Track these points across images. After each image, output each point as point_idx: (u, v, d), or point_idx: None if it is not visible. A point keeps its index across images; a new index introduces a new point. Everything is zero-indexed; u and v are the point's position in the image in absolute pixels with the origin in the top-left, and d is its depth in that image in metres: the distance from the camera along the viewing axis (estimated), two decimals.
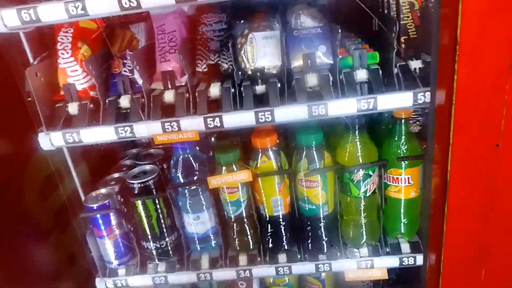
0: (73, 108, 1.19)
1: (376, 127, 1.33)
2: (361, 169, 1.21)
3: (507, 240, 0.98)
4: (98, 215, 1.37)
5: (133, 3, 0.97)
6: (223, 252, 1.42)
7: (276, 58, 1.15)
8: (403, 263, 1.31)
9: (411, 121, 1.18)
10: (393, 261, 1.31)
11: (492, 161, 0.87)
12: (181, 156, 1.33)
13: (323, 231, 1.32)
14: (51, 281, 1.40)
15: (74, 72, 1.20)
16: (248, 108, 1.13)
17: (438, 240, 0.99)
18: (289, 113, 1.12)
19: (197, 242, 1.43)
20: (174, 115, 1.16)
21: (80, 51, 1.17)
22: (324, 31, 1.15)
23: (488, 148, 0.86)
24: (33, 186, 1.32)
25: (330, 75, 1.11)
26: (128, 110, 1.19)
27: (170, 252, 1.44)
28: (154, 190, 1.34)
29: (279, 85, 1.13)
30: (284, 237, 1.37)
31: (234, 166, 1.29)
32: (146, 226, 1.38)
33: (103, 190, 1.43)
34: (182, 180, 1.33)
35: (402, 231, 1.32)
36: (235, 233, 1.40)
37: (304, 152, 1.23)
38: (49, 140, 1.19)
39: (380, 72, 1.10)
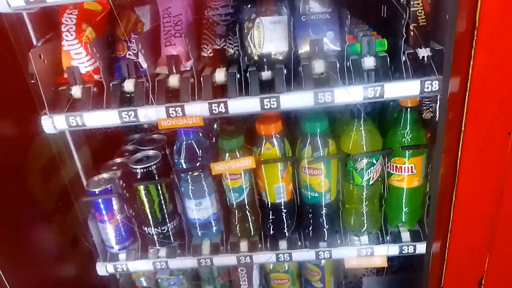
0: (76, 91, 1.18)
1: (381, 116, 1.33)
2: (365, 158, 1.21)
3: None
4: (100, 200, 1.37)
5: None
6: (224, 238, 1.43)
7: (283, 43, 1.14)
8: (403, 252, 1.32)
9: (423, 108, 1.18)
10: (393, 250, 1.32)
11: (504, 149, 0.87)
12: (184, 142, 1.32)
13: (324, 219, 1.33)
14: (52, 264, 1.41)
15: (78, 55, 1.18)
16: (254, 94, 1.12)
17: (444, 229, 1.00)
18: (295, 100, 1.11)
19: (198, 228, 1.43)
20: (179, 100, 1.15)
21: (85, 33, 1.15)
22: (333, 17, 1.13)
23: (500, 136, 0.86)
24: (35, 168, 1.31)
25: (337, 62, 1.10)
26: (132, 94, 1.18)
27: (172, 237, 1.44)
28: (156, 175, 1.34)
29: (285, 71, 1.12)
30: (285, 224, 1.38)
31: (237, 152, 1.29)
32: (148, 211, 1.38)
33: (105, 175, 1.43)
34: (185, 166, 1.33)
35: (403, 220, 1.33)
36: (236, 220, 1.40)
37: (309, 139, 1.23)
38: (52, 123, 1.17)
39: (388, 59, 1.09)
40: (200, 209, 1.39)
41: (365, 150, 1.21)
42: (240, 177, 1.32)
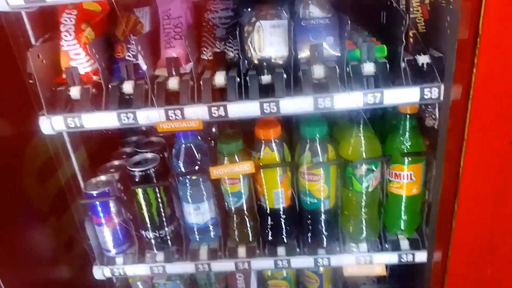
0: (75, 92, 1.17)
1: (380, 122, 1.32)
2: (364, 164, 1.20)
3: None
4: (97, 203, 1.36)
5: None
6: (222, 243, 1.41)
7: (283, 48, 1.13)
8: (402, 260, 1.30)
9: (426, 115, 1.17)
10: (392, 258, 1.31)
11: (506, 158, 0.86)
12: (183, 145, 1.31)
13: (323, 225, 1.32)
14: (48, 266, 1.40)
15: (77, 56, 1.17)
16: (253, 98, 1.11)
17: (445, 237, 0.99)
18: (294, 104, 1.10)
19: (196, 232, 1.42)
20: (178, 102, 1.14)
21: (84, 33, 1.15)
22: (333, 22, 1.13)
23: (502, 144, 0.85)
24: (32, 169, 1.30)
25: (337, 67, 1.09)
26: (131, 96, 1.17)
27: (169, 241, 1.43)
28: (155, 178, 1.33)
29: (285, 75, 1.11)
30: (284, 230, 1.36)
31: (236, 156, 1.28)
32: (145, 214, 1.37)
33: (103, 177, 1.42)
34: (183, 170, 1.32)
35: (402, 228, 1.31)
36: (235, 225, 1.39)
37: (308, 144, 1.22)
38: (50, 124, 1.16)
39: (388, 66, 1.08)
40: (198, 213, 1.38)
41: (364, 156, 1.20)
42: (239, 182, 1.30)
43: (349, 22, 1.05)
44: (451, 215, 0.95)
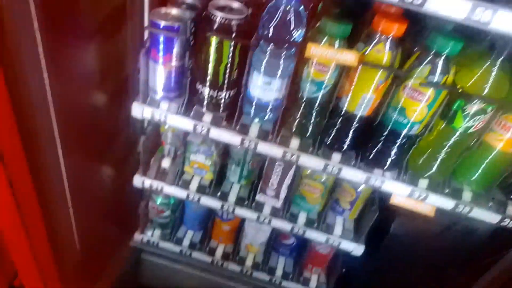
0: None
1: None
2: (482, 102, 1.03)
3: None
4: (163, 36, 1.18)
5: None
6: (276, 128, 1.30)
7: None
8: (457, 210, 1.24)
9: None
10: (448, 204, 1.24)
11: None
12: (282, 6, 1.09)
13: (395, 148, 1.20)
14: (92, 87, 1.27)
15: None
16: None
17: None
18: (445, 4, 0.88)
19: (254, 107, 1.28)
20: None
21: None
22: None
23: None
24: None
25: None
26: None
27: (222, 106, 1.30)
28: (236, 32, 1.14)
29: None
30: (349, 138, 1.25)
31: (338, 42, 1.09)
32: (210, 68, 1.21)
33: (174, 11, 1.21)
34: (271, 34, 1.12)
35: (473, 179, 1.21)
36: (298, 115, 1.26)
37: (431, 57, 1.03)
38: None
39: None
40: (266, 88, 1.22)
41: (486, 92, 1.03)
42: (328, 71, 1.13)
43: None
44: None
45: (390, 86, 1.12)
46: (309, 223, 1.56)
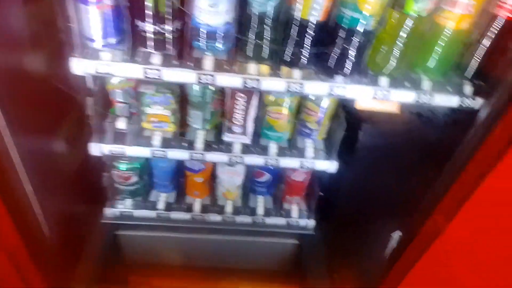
0: None
1: None
2: None
3: None
4: None
5: None
6: (232, 57, 1.24)
7: None
8: (419, 100, 1.27)
9: None
10: (409, 96, 1.27)
11: None
12: None
13: (354, 50, 1.19)
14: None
15: None
16: None
17: None
18: None
19: (204, 37, 1.21)
20: None
21: None
22: None
23: None
24: None
25: None
26: None
27: (170, 42, 1.22)
28: None
29: None
30: (308, 50, 1.22)
31: None
32: (150, 1, 1.12)
33: None
34: None
35: (429, 65, 1.24)
36: (253, 36, 1.21)
37: None
38: None
39: None
40: (213, 12, 1.16)
41: None
42: None
43: None
44: None
45: None
46: (281, 152, 1.55)
